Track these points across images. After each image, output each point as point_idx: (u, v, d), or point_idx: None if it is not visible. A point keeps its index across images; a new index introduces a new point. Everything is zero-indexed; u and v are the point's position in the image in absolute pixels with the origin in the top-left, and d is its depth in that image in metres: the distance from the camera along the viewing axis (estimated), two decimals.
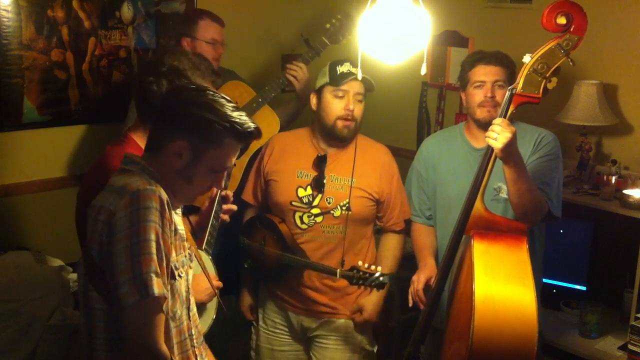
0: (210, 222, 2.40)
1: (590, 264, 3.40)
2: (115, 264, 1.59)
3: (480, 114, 2.55)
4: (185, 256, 1.82)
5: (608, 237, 3.38)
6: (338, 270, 2.50)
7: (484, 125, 2.54)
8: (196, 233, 2.45)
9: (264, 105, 3.13)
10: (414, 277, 2.61)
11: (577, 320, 3.26)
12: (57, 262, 3.04)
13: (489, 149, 2.24)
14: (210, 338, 2.50)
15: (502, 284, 2.12)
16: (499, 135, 2.15)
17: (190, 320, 1.86)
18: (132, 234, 1.59)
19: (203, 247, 2.37)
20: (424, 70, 1.89)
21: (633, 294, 3.10)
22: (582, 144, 3.38)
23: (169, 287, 1.69)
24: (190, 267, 1.86)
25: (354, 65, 2.58)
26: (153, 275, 1.58)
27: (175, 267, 1.73)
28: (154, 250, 1.60)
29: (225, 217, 2.43)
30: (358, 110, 2.63)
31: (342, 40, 3.17)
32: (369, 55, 1.89)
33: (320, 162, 2.66)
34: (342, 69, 2.61)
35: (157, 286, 1.59)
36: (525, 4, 3.66)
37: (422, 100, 4.04)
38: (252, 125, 1.75)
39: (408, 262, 3.69)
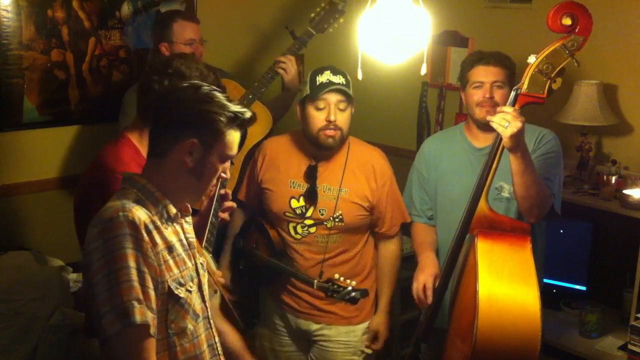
0: (210, 220, 2.40)
1: (590, 264, 3.40)
2: (96, 294, 1.57)
3: (480, 113, 2.55)
4: (197, 268, 1.81)
5: (608, 237, 3.38)
6: (315, 281, 2.49)
7: (483, 126, 2.54)
8: (196, 232, 2.45)
9: (255, 102, 3.11)
10: (419, 277, 2.56)
11: (577, 320, 3.26)
12: (57, 262, 3.04)
13: (494, 147, 2.23)
14: None
15: (506, 283, 2.12)
16: (509, 123, 2.15)
17: (211, 329, 1.85)
18: (108, 263, 1.58)
19: (203, 245, 2.37)
20: (424, 70, 1.89)
21: (633, 294, 3.10)
22: (582, 144, 3.38)
23: (169, 305, 1.68)
24: (204, 276, 1.85)
25: (335, 73, 2.56)
26: (135, 303, 1.56)
27: (181, 283, 1.71)
28: (134, 277, 1.57)
29: (225, 215, 2.43)
30: (342, 118, 2.57)
31: (328, 28, 3.15)
32: (369, 55, 1.89)
33: (311, 174, 2.64)
34: (321, 78, 2.56)
35: (139, 314, 1.56)
36: (525, 4, 3.66)
37: (422, 100, 4.03)
38: (249, 112, 1.77)
39: (408, 262, 3.70)
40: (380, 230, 2.73)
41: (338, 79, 2.55)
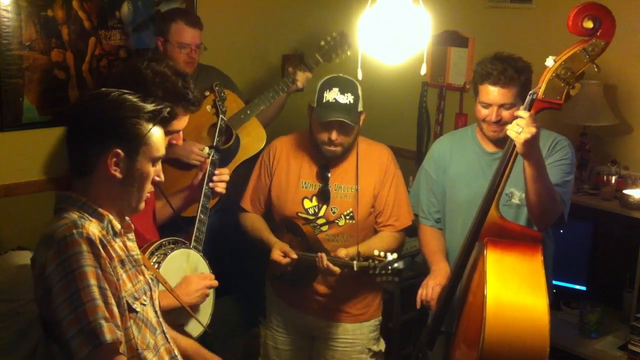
0: (198, 217, 2.38)
1: (590, 264, 3.40)
2: (60, 319, 1.52)
3: (487, 131, 2.48)
4: (148, 281, 1.78)
5: (608, 237, 3.38)
6: (354, 263, 2.49)
7: (492, 140, 2.50)
8: (182, 210, 2.43)
9: (252, 118, 3.14)
10: (429, 282, 2.53)
11: (577, 320, 3.26)
12: None
13: (507, 153, 2.16)
14: (211, 338, 2.50)
15: (515, 295, 2.07)
16: (523, 129, 2.05)
17: (169, 343, 1.81)
18: (69, 284, 1.52)
19: (192, 245, 2.34)
20: (424, 70, 1.89)
21: (633, 294, 3.10)
22: (582, 144, 3.38)
23: (131, 322, 1.65)
24: (154, 290, 1.81)
25: (343, 91, 2.52)
26: (102, 322, 1.51)
27: (135, 297, 1.67)
28: (97, 295, 1.53)
29: (219, 188, 2.43)
30: (344, 138, 2.57)
31: (335, 58, 3.17)
32: (369, 55, 1.89)
33: (323, 174, 2.64)
34: (329, 96, 2.53)
35: (109, 332, 1.52)
36: (525, 4, 3.66)
37: (422, 100, 4.04)
38: (167, 107, 1.70)
39: (408, 262, 3.70)
40: (379, 226, 2.71)
41: (345, 99, 2.52)
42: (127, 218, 1.77)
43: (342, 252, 2.52)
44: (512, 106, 2.38)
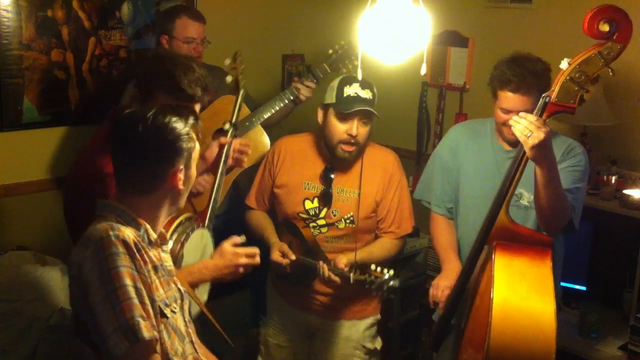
0: (212, 196, 2.38)
1: (590, 264, 3.40)
2: (97, 317, 1.54)
3: (507, 135, 2.42)
4: (180, 290, 1.80)
5: (608, 237, 3.38)
6: (351, 275, 2.49)
7: (510, 142, 2.46)
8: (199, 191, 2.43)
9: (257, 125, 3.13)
10: (440, 283, 2.51)
11: (577, 320, 3.26)
12: (57, 262, 3.04)
13: (518, 157, 2.12)
14: (211, 338, 2.50)
15: (522, 300, 2.05)
16: (532, 133, 2.02)
17: (197, 353, 1.83)
18: (105, 283, 1.55)
19: (206, 225, 2.32)
20: (424, 70, 1.89)
21: (633, 294, 3.10)
22: (582, 144, 3.37)
23: (162, 326, 1.66)
24: (184, 301, 1.83)
25: (364, 86, 2.53)
26: (140, 320, 1.54)
27: (166, 304, 1.70)
28: (133, 294, 1.55)
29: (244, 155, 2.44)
30: (363, 132, 2.56)
31: (342, 68, 3.14)
32: (369, 55, 1.89)
33: (326, 176, 2.64)
34: (350, 91, 2.53)
35: (146, 329, 1.54)
36: (525, 4, 3.66)
37: (422, 100, 4.04)
38: (196, 122, 1.77)
39: (408, 262, 3.71)
40: (380, 232, 2.72)
41: (366, 94, 2.54)
42: (162, 230, 1.81)
43: (343, 261, 2.53)
44: (533, 109, 2.30)
